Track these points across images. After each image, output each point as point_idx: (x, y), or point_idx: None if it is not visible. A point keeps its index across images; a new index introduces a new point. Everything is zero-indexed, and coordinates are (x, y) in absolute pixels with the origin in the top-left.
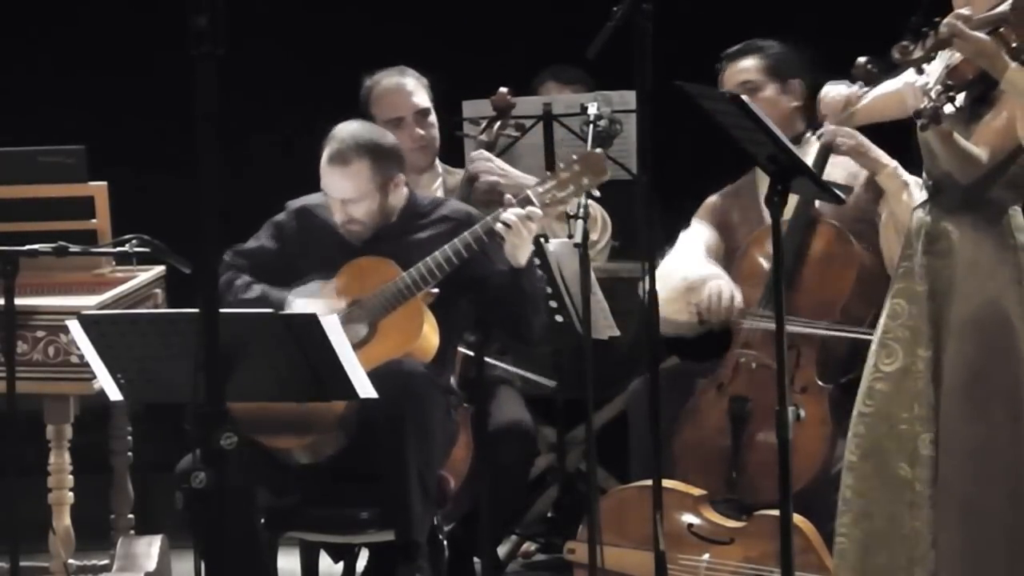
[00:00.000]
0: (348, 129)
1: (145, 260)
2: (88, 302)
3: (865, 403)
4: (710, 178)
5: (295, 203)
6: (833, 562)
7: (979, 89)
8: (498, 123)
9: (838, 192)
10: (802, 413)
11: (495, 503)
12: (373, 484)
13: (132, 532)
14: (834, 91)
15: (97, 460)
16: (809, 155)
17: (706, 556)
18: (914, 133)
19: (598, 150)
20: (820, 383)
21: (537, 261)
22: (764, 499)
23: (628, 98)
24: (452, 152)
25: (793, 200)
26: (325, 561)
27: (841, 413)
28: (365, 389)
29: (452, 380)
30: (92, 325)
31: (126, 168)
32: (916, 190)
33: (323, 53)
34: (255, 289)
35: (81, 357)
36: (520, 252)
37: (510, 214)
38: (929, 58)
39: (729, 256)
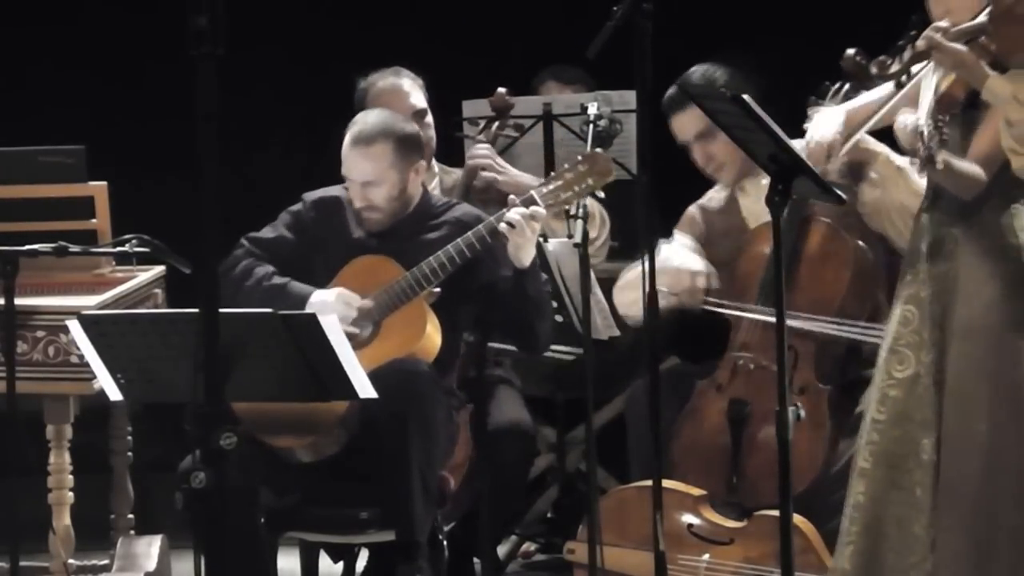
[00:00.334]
0: (372, 114)
1: (145, 260)
2: (88, 302)
3: (878, 410)
4: (710, 178)
5: (312, 195)
6: (838, 566)
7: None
8: (496, 123)
9: (839, 192)
10: (802, 413)
11: (495, 503)
12: (374, 484)
13: (132, 532)
14: (817, 135)
15: (97, 460)
16: None
17: (706, 556)
18: None
19: (599, 150)
20: (819, 384)
21: (536, 261)
22: (765, 502)
23: (628, 98)
24: (452, 152)
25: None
26: (325, 561)
27: (840, 414)
28: (365, 389)
29: (453, 381)
30: (92, 325)
31: (126, 168)
32: (912, 172)
33: (322, 54)
34: (277, 280)
35: (81, 357)
36: (524, 253)
37: (514, 214)
38: (908, 71)
39: (712, 261)
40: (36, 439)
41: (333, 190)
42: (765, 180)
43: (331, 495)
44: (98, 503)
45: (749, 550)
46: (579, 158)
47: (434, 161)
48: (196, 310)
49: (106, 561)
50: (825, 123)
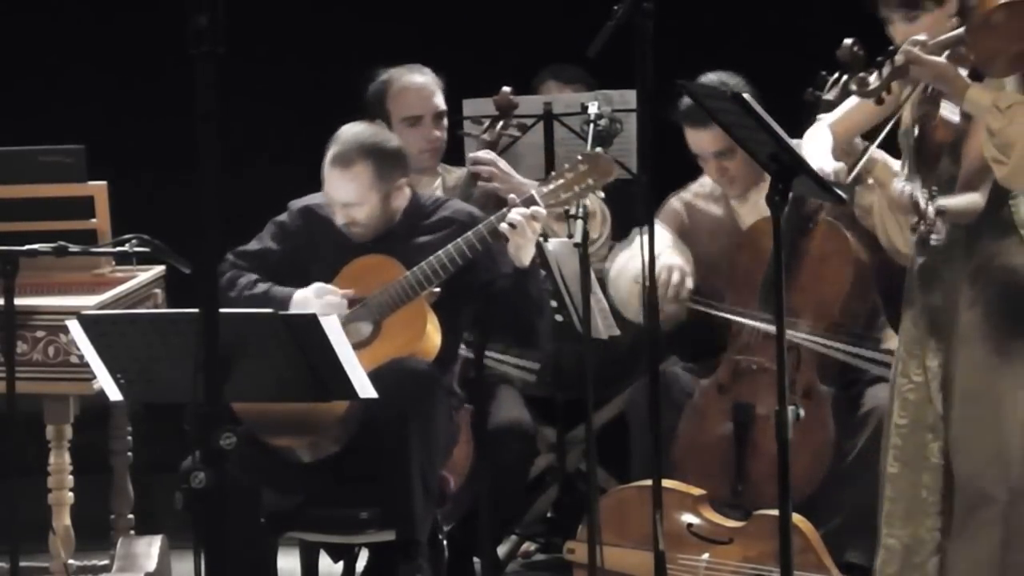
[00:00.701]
0: (352, 131)
1: (145, 260)
2: (88, 302)
3: (899, 414)
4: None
5: (297, 203)
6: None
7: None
8: (500, 122)
9: (840, 192)
10: (801, 412)
11: (495, 503)
12: (374, 483)
13: (132, 532)
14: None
15: (97, 460)
16: None
17: (706, 556)
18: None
19: (599, 150)
20: (822, 386)
21: (536, 260)
22: (769, 505)
23: (629, 97)
24: (452, 151)
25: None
26: (325, 561)
27: (843, 416)
28: (365, 389)
29: (453, 381)
30: (92, 325)
31: (126, 168)
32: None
33: (323, 53)
34: (259, 286)
35: (81, 357)
36: (524, 252)
37: (515, 214)
38: (888, 88)
39: (697, 261)
40: (36, 439)
41: (319, 196)
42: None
43: (331, 495)
44: (98, 503)
45: (748, 550)
46: (579, 158)
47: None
48: (196, 310)
49: (106, 561)
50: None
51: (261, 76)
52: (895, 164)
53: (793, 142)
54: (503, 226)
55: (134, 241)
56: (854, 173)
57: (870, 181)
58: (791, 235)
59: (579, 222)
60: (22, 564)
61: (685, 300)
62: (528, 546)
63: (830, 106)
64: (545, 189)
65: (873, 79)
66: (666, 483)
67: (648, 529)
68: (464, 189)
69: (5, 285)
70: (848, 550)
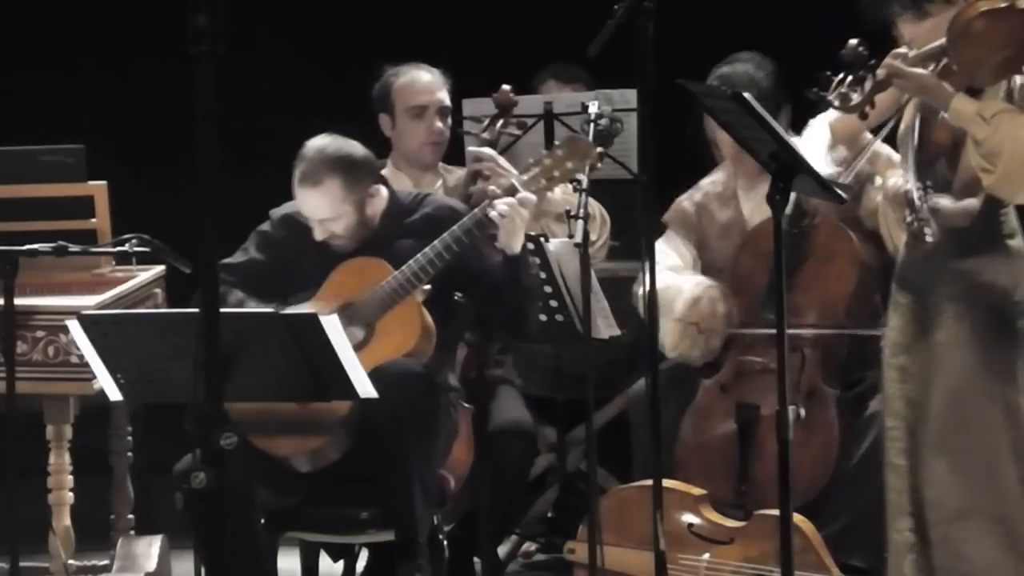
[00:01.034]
0: (315, 146)
1: (145, 260)
2: (88, 302)
3: (890, 422)
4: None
5: (278, 211)
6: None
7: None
8: (500, 121)
9: (840, 191)
10: (802, 413)
11: (495, 503)
12: (373, 484)
13: (132, 532)
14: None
15: (97, 460)
16: None
17: (706, 556)
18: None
19: (579, 134)
20: (826, 387)
21: (537, 261)
22: (773, 506)
23: (629, 97)
24: (453, 152)
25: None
26: (325, 561)
27: (847, 417)
28: (365, 389)
29: (452, 378)
30: (92, 325)
31: (126, 168)
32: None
33: (323, 52)
34: (249, 306)
35: (81, 357)
36: (515, 240)
37: (502, 204)
38: (871, 102)
39: (708, 264)
40: (36, 439)
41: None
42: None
43: (331, 495)
44: (98, 503)
45: (749, 550)
46: (558, 143)
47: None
48: (196, 310)
49: (106, 561)
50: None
51: (261, 76)
52: (897, 157)
53: (793, 139)
54: (494, 214)
55: (134, 241)
56: (857, 165)
57: (878, 181)
58: (794, 234)
59: (579, 223)
60: (22, 564)
61: (726, 330)
62: (529, 546)
63: (854, 109)
64: (526, 176)
65: (855, 94)
66: (667, 483)
67: (649, 529)
68: (464, 189)
69: (5, 285)
70: (851, 554)
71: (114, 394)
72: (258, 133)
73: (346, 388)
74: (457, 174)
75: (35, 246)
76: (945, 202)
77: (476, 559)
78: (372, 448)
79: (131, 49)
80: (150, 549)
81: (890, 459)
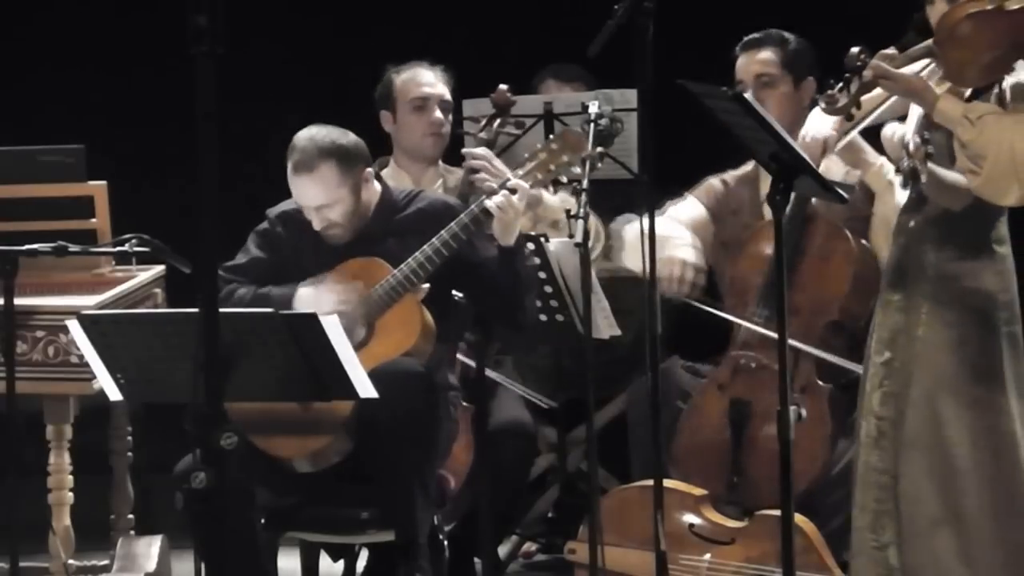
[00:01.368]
0: (306, 135)
1: (145, 260)
2: (88, 302)
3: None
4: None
5: (274, 210)
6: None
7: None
8: (498, 121)
9: (841, 191)
10: (803, 413)
11: (495, 503)
12: (373, 484)
13: (132, 532)
14: (812, 131)
15: (97, 460)
16: None
17: (707, 556)
18: None
19: (570, 127)
20: (819, 382)
21: (537, 260)
22: (766, 501)
23: (629, 96)
24: (453, 152)
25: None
26: (325, 561)
27: (841, 413)
28: (365, 389)
29: (452, 377)
30: (92, 325)
31: (126, 168)
32: (900, 191)
33: (323, 53)
34: (260, 291)
35: (81, 357)
36: (511, 232)
37: (498, 197)
38: (858, 104)
39: (717, 245)
40: (36, 439)
41: (294, 202)
42: None
43: (330, 495)
44: (98, 503)
45: (750, 550)
46: (550, 137)
47: (440, 162)
48: (196, 310)
49: (106, 561)
50: (820, 120)
51: (261, 76)
52: (890, 173)
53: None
54: (491, 207)
55: (134, 241)
56: (844, 142)
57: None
58: (795, 232)
59: (580, 222)
60: (22, 564)
61: (685, 296)
62: (529, 546)
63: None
64: (521, 172)
65: (842, 97)
66: (667, 483)
67: (649, 529)
68: (463, 187)
69: (5, 285)
70: (849, 551)
71: (114, 394)
72: (258, 133)
73: (346, 388)
74: (458, 175)
75: (35, 246)
76: (939, 169)
77: (476, 559)
78: (372, 448)
79: (131, 49)
80: (150, 549)
81: (864, 456)
